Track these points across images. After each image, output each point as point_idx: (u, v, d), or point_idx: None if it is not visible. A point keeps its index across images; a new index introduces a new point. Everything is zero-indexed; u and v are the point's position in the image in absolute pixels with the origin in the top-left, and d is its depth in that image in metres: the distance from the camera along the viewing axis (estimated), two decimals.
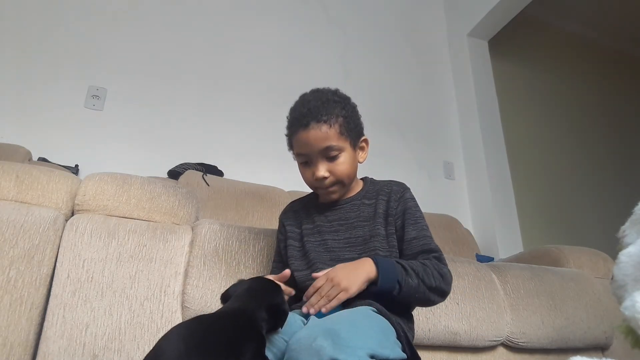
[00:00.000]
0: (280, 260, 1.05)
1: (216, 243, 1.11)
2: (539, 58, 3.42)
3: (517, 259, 1.82)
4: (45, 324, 0.93)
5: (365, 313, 0.84)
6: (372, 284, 0.85)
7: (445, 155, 2.85)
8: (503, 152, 2.77)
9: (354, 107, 1.00)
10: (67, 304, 0.95)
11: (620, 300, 0.60)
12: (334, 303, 0.82)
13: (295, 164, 1.01)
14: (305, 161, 0.96)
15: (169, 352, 0.61)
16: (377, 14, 3.02)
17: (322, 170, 0.93)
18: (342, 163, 0.94)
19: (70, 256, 0.99)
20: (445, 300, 1.22)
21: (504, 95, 2.97)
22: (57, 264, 0.98)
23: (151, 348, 0.62)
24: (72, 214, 1.08)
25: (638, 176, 3.38)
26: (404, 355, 0.81)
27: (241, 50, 2.49)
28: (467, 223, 2.61)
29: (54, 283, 0.96)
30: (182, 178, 1.91)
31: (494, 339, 1.28)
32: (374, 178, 1.08)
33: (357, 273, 0.85)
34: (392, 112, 2.79)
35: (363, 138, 1.02)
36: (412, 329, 0.95)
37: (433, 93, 3.00)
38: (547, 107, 3.30)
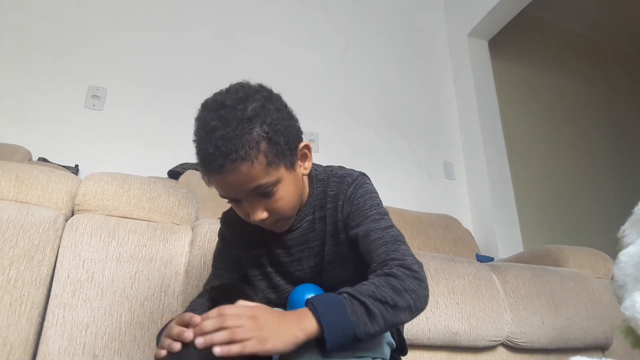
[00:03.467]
0: (224, 268, 0.89)
1: (216, 243, 1.11)
2: (539, 58, 3.43)
3: (517, 259, 1.82)
4: (45, 324, 0.93)
5: None
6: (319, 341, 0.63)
7: (445, 155, 2.85)
8: (503, 152, 2.77)
9: (278, 110, 0.73)
10: (67, 304, 0.95)
11: (620, 300, 0.60)
12: (235, 349, 0.56)
13: None
14: (234, 202, 0.76)
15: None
16: (377, 14, 3.02)
17: (259, 213, 0.73)
18: (281, 198, 0.73)
19: (70, 256, 0.99)
20: (445, 300, 1.24)
21: (504, 95, 2.97)
22: (57, 264, 0.98)
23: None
24: (72, 214, 1.08)
25: (638, 176, 3.38)
26: (393, 345, 0.78)
27: (241, 50, 2.49)
28: (467, 223, 2.61)
29: (54, 283, 0.96)
30: (182, 178, 1.91)
31: (494, 339, 1.28)
32: (320, 165, 0.88)
33: (288, 327, 0.61)
34: (392, 112, 2.79)
35: (303, 144, 0.77)
36: None
37: (433, 93, 3.00)
38: (547, 107, 3.30)
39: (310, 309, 0.62)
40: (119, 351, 0.94)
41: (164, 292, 1.02)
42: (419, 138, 2.81)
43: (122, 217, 1.09)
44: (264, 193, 0.71)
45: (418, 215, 2.20)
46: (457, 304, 1.24)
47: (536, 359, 1.35)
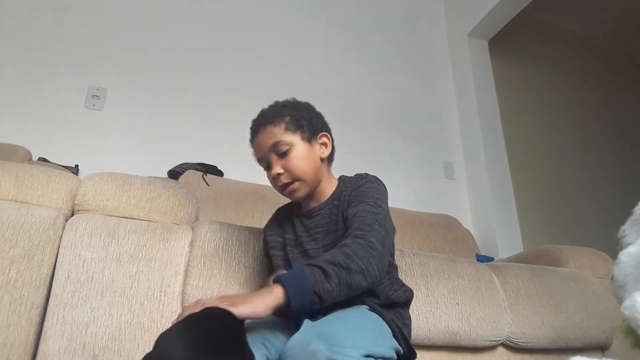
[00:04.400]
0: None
1: (216, 243, 1.11)
2: (539, 58, 3.43)
3: (517, 259, 1.82)
4: (45, 324, 0.93)
5: (359, 312, 0.84)
6: (287, 305, 0.75)
7: (445, 155, 2.85)
8: (503, 152, 2.77)
9: (307, 107, 1.03)
10: (67, 304, 0.95)
11: (620, 300, 0.60)
12: (197, 307, 0.72)
13: None
14: (266, 166, 0.98)
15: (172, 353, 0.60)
16: (377, 14, 3.02)
17: (276, 168, 0.95)
18: (294, 157, 0.95)
19: (70, 256, 0.99)
20: (445, 300, 1.24)
21: (504, 95, 2.97)
22: (57, 264, 0.98)
23: (152, 349, 0.62)
24: (72, 214, 1.08)
25: (638, 176, 3.38)
26: (400, 351, 0.83)
27: (241, 50, 2.49)
28: (467, 223, 2.61)
29: (54, 283, 0.96)
30: (182, 178, 1.91)
31: (494, 339, 1.28)
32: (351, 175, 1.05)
33: (258, 296, 0.75)
34: (392, 112, 2.79)
35: (322, 133, 1.02)
36: (407, 325, 0.94)
37: (433, 93, 3.00)
38: (547, 107, 3.30)
39: (277, 281, 0.76)
40: (119, 351, 0.94)
41: (164, 292, 1.02)
42: (419, 138, 2.81)
43: (122, 217, 1.09)
44: (281, 153, 0.94)
45: (418, 215, 2.20)
46: (457, 304, 1.24)
47: (536, 359, 1.35)
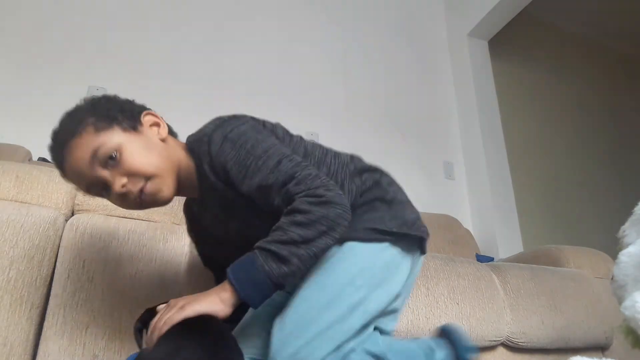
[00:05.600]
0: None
1: None
2: (539, 58, 3.43)
3: (517, 259, 1.82)
4: (45, 324, 0.93)
5: (338, 267, 0.72)
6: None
7: (445, 155, 2.85)
8: (503, 152, 2.77)
9: (107, 99, 0.80)
10: (67, 304, 0.95)
11: (620, 300, 0.60)
12: (164, 328, 0.65)
13: None
14: (101, 191, 0.75)
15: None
16: (377, 14, 3.02)
17: (118, 180, 0.72)
18: (129, 155, 0.73)
19: (70, 256, 0.99)
20: (445, 300, 1.24)
21: (504, 95, 2.97)
22: (57, 264, 0.98)
23: None
24: (72, 214, 1.08)
25: (638, 176, 3.38)
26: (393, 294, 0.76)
27: (241, 50, 2.49)
28: (467, 223, 2.60)
29: (54, 283, 0.96)
30: None
31: (494, 339, 1.28)
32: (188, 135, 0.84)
33: (209, 294, 0.68)
34: (392, 112, 2.79)
35: (144, 113, 0.80)
36: (395, 218, 0.79)
37: (433, 93, 3.00)
38: (547, 107, 3.30)
39: (227, 276, 0.67)
40: (119, 351, 0.94)
41: (164, 292, 1.02)
42: (419, 138, 2.81)
43: (122, 217, 1.09)
44: (108, 158, 0.72)
45: None
46: (457, 304, 1.24)
47: (536, 359, 1.35)
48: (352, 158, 0.89)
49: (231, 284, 0.66)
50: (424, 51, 3.09)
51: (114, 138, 0.73)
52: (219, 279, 0.95)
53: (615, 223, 0.70)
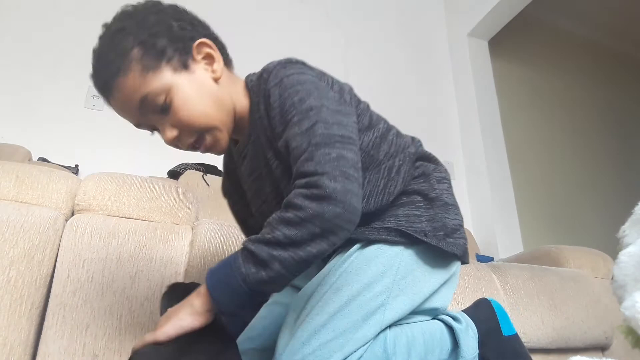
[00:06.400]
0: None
1: (216, 243, 1.11)
2: (539, 58, 3.43)
3: (517, 259, 1.82)
4: (45, 324, 0.93)
5: (340, 280, 0.64)
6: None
7: (445, 155, 2.85)
8: (503, 152, 2.77)
9: (151, 12, 0.69)
10: (67, 304, 0.94)
11: (620, 300, 0.60)
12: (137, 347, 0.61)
13: None
14: (151, 131, 0.72)
15: None
16: (377, 14, 3.02)
17: (168, 132, 0.67)
18: (181, 106, 0.65)
19: (70, 256, 0.99)
20: None
21: (504, 95, 2.97)
22: (57, 264, 0.98)
23: None
24: (72, 214, 1.08)
25: (638, 176, 3.38)
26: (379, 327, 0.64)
27: (241, 49, 2.48)
28: (467, 223, 2.61)
29: (54, 283, 0.96)
30: (182, 178, 1.91)
31: None
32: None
33: (184, 304, 0.62)
34: (392, 111, 2.77)
35: (198, 42, 0.70)
36: (438, 216, 0.70)
37: (433, 93, 3.00)
38: (547, 107, 3.30)
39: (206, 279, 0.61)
40: (119, 351, 0.94)
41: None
42: (419, 138, 2.81)
43: (122, 217, 1.09)
44: (160, 107, 0.65)
45: None
46: (458, 304, 1.24)
47: (536, 359, 1.35)
48: (413, 140, 0.80)
49: (206, 287, 0.60)
50: (424, 51, 3.09)
51: (164, 82, 0.65)
52: None
53: (615, 223, 0.70)
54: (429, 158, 0.79)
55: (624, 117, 3.66)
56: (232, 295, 0.58)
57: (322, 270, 0.68)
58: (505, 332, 0.73)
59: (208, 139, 0.69)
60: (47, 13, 2.15)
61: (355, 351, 0.61)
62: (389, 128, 0.78)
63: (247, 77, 0.75)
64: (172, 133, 0.66)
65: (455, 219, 0.74)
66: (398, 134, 0.79)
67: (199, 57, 0.70)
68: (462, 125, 2.92)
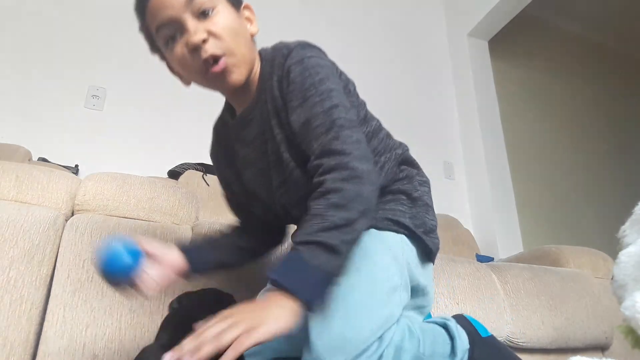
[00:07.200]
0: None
1: None
2: (539, 58, 3.43)
3: (517, 259, 1.82)
4: (45, 324, 0.93)
5: (354, 274, 0.65)
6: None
7: (445, 155, 2.85)
8: (503, 152, 2.77)
9: None
10: (67, 304, 0.94)
11: (620, 300, 0.59)
12: (231, 355, 0.51)
13: None
14: (172, 35, 0.69)
15: None
16: (377, 14, 3.02)
17: (199, 33, 0.66)
18: (222, 21, 0.68)
19: (70, 256, 0.99)
20: (445, 300, 1.24)
21: (504, 95, 2.97)
22: (57, 264, 0.98)
23: None
24: (72, 214, 1.08)
25: (638, 176, 3.38)
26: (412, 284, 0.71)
27: None
28: (467, 223, 2.61)
29: (54, 283, 0.96)
30: (182, 178, 1.91)
31: None
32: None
33: (266, 311, 0.56)
34: (392, 112, 2.79)
35: (245, 5, 0.78)
36: (419, 215, 0.77)
37: (433, 93, 3.00)
38: (547, 107, 3.30)
39: (276, 283, 0.57)
40: (119, 351, 0.94)
41: (164, 292, 1.02)
42: (419, 138, 2.81)
43: (122, 217, 1.09)
44: (202, 12, 0.67)
45: None
46: (457, 304, 1.24)
47: (536, 359, 1.35)
48: (401, 145, 0.86)
49: (287, 290, 0.56)
50: (424, 51, 3.09)
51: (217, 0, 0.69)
52: (245, 229, 0.91)
53: (615, 223, 0.70)
54: (413, 164, 0.85)
55: (623, 117, 3.66)
56: (320, 293, 0.59)
57: None
58: (483, 334, 0.80)
59: (228, 61, 0.68)
60: (47, 13, 2.15)
61: (387, 330, 0.64)
62: (381, 128, 0.84)
63: (261, 49, 0.79)
64: (202, 35, 0.66)
65: (434, 219, 0.82)
66: (388, 135, 0.84)
67: (243, 13, 0.77)
68: (462, 125, 2.92)
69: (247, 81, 0.74)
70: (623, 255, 0.62)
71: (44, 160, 1.82)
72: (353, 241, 0.61)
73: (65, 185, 1.08)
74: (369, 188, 0.62)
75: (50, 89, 2.04)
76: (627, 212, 0.66)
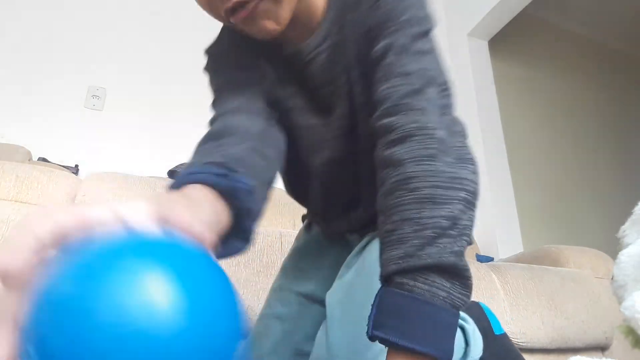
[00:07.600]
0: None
1: None
2: (539, 58, 3.42)
3: (517, 259, 1.82)
4: None
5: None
6: None
7: None
8: (503, 152, 2.77)
9: None
10: None
11: (620, 300, 0.59)
12: None
13: None
14: None
15: None
16: None
17: None
18: None
19: None
20: None
21: (504, 95, 2.97)
22: None
23: None
24: None
25: (638, 176, 3.38)
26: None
27: None
28: None
29: None
30: None
31: None
32: None
33: None
34: None
35: None
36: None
37: None
38: (547, 107, 3.30)
39: (396, 344, 0.39)
40: None
41: None
42: None
43: None
44: None
45: None
46: None
47: (536, 359, 1.35)
48: None
49: (430, 357, 0.38)
50: None
51: None
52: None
53: (615, 223, 0.70)
54: None
55: (624, 117, 3.66)
56: (452, 336, 0.40)
57: (348, 266, 0.64)
58: (496, 332, 0.76)
59: (267, 2, 0.52)
60: (47, 12, 2.15)
61: None
62: None
63: None
64: None
65: None
66: None
67: None
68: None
69: (298, 15, 0.55)
70: (623, 255, 0.62)
71: (44, 160, 1.82)
72: (463, 245, 0.43)
73: (65, 185, 1.08)
74: (477, 176, 0.48)
75: (50, 89, 2.04)
76: (627, 212, 0.66)
